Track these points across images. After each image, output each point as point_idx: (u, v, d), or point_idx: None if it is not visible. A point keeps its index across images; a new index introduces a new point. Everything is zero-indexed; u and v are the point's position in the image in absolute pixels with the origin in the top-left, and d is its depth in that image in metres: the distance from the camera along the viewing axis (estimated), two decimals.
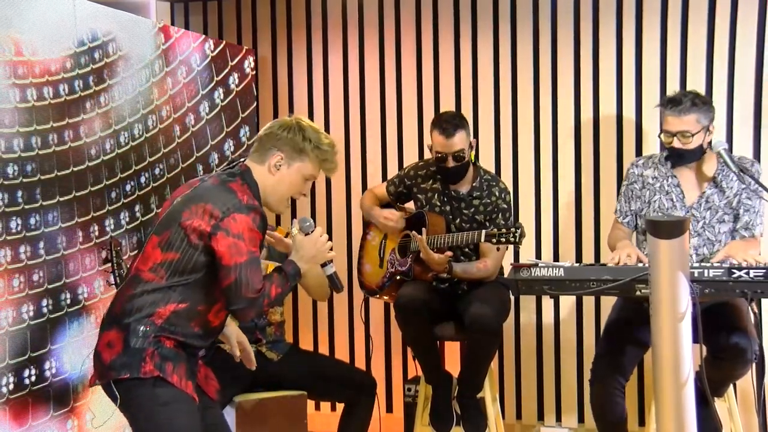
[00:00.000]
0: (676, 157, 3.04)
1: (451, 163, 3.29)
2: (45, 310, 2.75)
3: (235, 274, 2.13)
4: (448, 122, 3.27)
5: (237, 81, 3.98)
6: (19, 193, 2.65)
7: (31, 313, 2.70)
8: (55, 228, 2.79)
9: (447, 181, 3.38)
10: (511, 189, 3.87)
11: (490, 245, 3.16)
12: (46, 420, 2.75)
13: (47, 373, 2.75)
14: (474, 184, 3.38)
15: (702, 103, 2.99)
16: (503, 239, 3.04)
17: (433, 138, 3.30)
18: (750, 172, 2.98)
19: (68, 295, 2.85)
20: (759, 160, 3.57)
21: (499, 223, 3.32)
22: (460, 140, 3.26)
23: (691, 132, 2.96)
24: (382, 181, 3.77)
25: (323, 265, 2.39)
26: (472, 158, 3.42)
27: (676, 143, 2.98)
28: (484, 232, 3.10)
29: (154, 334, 2.18)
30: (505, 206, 3.39)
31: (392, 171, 3.93)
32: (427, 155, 3.86)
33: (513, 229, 3.02)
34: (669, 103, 2.99)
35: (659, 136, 3.08)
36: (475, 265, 3.30)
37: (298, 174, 2.32)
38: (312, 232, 2.35)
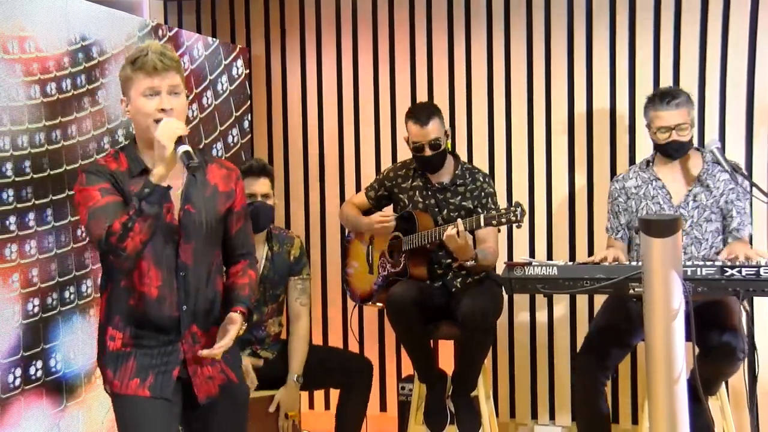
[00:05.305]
0: (675, 151, 3.07)
1: (428, 152, 3.30)
2: (38, 309, 2.74)
3: (83, 230, 2.12)
4: (422, 111, 3.33)
5: (230, 80, 3.97)
6: (11, 192, 2.64)
7: (24, 312, 2.69)
8: (47, 227, 2.78)
9: (426, 170, 3.37)
10: (504, 188, 3.89)
11: (489, 230, 3.15)
12: (38, 419, 2.74)
13: (40, 372, 2.75)
14: (456, 173, 3.39)
15: (689, 97, 3.08)
16: (504, 220, 2.98)
17: (409, 128, 3.33)
18: (742, 171, 3.00)
19: (61, 294, 2.84)
20: (751, 162, 3.59)
21: (489, 207, 3.32)
22: (434, 128, 3.29)
23: (687, 123, 3.03)
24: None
25: (176, 147, 2.08)
26: (449, 147, 3.42)
27: (675, 136, 3.02)
28: (482, 216, 3.05)
29: (102, 338, 2.24)
30: (491, 191, 3.40)
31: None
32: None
33: (512, 208, 2.97)
34: (664, 97, 3.04)
35: (654, 134, 3.09)
36: (487, 251, 3.26)
37: (137, 96, 2.18)
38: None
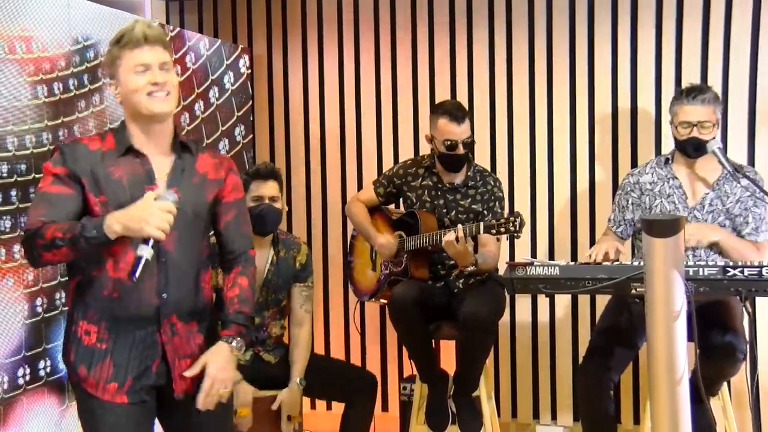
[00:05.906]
0: (693, 148, 3.00)
1: (461, 150, 3.27)
2: (40, 309, 2.75)
3: None
4: (458, 109, 3.28)
5: (232, 79, 3.97)
6: (13, 192, 2.64)
7: (26, 312, 2.69)
8: None
9: (451, 169, 3.34)
10: (506, 187, 3.88)
11: (489, 235, 3.15)
12: (41, 419, 2.75)
13: (42, 372, 2.75)
14: (469, 174, 3.38)
15: (717, 96, 3.02)
16: (503, 229, 2.99)
17: (442, 126, 3.26)
18: (744, 170, 2.99)
19: (63, 294, 2.84)
20: (753, 163, 3.58)
21: (497, 212, 3.32)
22: (468, 127, 3.28)
23: (711, 122, 2.96)
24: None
25: (141, 243, 1.99)
26: None
27: (696, 133, 2.96)
28: (482, 224, 3.06)
29: (71, 330, 2.13)
30: (500, 194, 3.39)
31: (388, 168, 3.93)
32: (422, 151, 3.87)
33: (512, 219, 2.97)
34: (690, 92, 2.98)
35: (675, 129, 3.03)
36: (487, 255, 3.26)
37: (127, 74, 2.10)
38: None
